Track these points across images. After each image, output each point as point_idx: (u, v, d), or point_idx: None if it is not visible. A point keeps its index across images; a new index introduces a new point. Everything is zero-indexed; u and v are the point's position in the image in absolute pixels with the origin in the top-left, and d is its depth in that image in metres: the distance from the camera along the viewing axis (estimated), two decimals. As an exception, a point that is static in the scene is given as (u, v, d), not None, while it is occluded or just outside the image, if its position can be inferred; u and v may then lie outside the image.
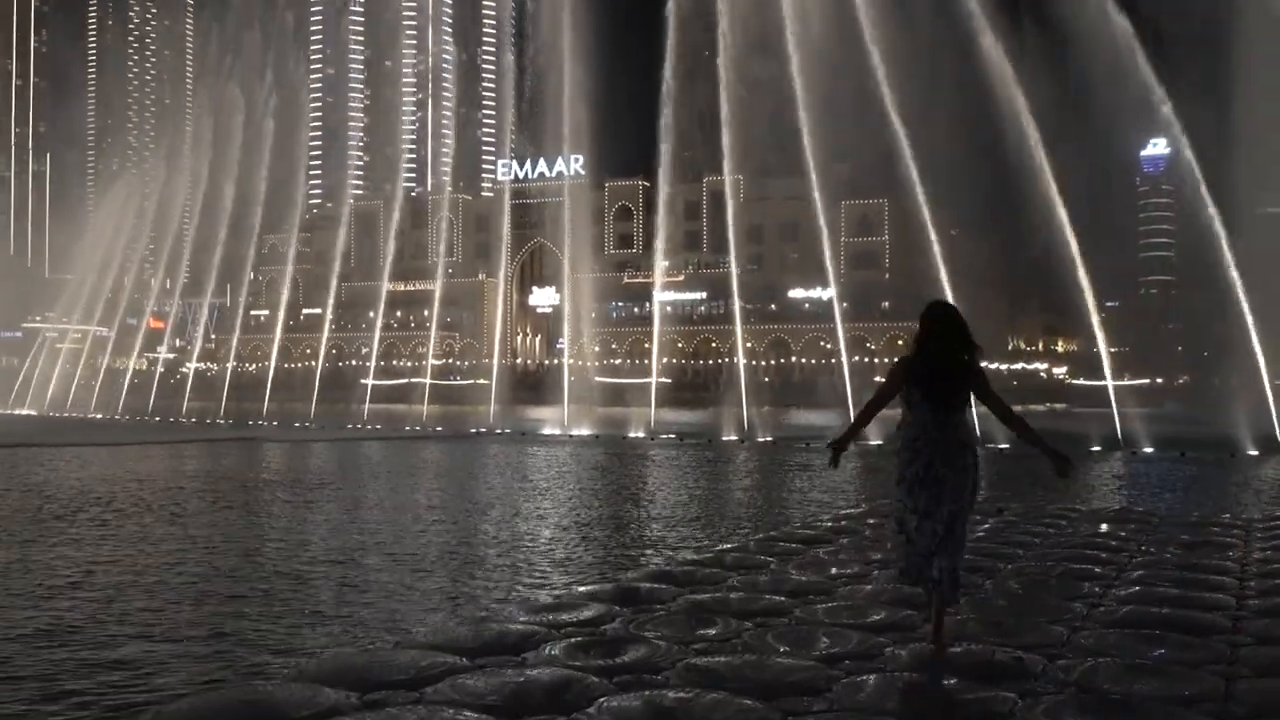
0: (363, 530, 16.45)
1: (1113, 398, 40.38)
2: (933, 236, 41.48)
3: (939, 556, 7.24)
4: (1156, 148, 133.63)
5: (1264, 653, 7.17)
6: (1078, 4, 37.00)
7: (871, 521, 13.87)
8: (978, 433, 7.73)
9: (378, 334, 79.56)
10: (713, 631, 7.77)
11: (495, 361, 69.72)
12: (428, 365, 74.18)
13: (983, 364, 7.57)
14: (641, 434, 45.30)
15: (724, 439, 42.70)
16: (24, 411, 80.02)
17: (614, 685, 6.39)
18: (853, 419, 8.09)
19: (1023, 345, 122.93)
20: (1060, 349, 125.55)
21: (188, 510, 18.87)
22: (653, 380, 53.08)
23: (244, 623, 9.75)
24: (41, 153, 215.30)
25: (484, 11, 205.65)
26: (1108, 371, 42.64)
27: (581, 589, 10.23)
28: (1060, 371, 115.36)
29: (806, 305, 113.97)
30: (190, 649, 8.79)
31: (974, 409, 8.02)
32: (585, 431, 47.20)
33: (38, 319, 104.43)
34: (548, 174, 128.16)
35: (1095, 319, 41.50)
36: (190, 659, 8.47)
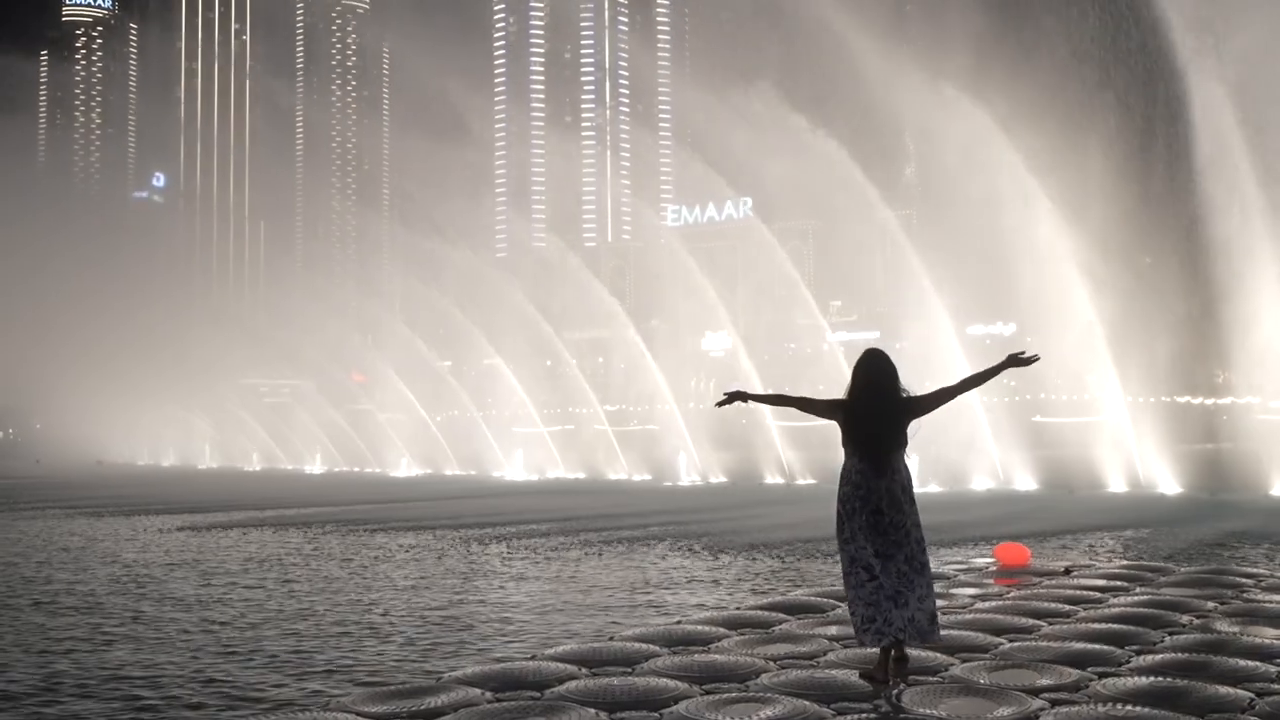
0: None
1: None
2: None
3: (908, 597, 6.85)
4: None
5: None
6: None
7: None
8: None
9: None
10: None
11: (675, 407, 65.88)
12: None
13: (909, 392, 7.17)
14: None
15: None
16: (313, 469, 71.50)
17: None
18: (778, 395, 7.78)
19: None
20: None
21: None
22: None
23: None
24: (256, 221, 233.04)
25: (659, 60, 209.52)
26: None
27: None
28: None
29: (988, 341, 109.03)
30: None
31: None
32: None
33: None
34: (717, 217, 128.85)
35: None
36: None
